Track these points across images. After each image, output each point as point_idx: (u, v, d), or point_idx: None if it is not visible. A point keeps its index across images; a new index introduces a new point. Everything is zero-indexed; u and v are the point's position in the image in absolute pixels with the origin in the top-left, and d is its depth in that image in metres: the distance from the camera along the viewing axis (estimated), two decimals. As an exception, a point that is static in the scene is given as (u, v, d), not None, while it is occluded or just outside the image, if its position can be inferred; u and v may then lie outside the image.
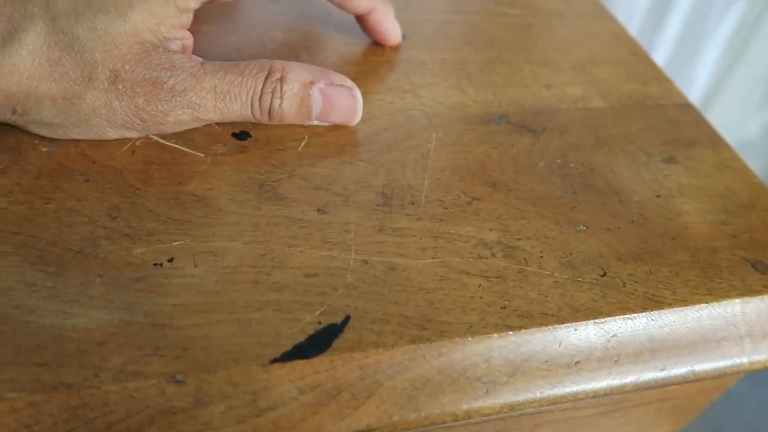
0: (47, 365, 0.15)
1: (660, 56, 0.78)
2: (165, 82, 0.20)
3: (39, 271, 0.17)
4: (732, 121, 1.06)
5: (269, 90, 0.22)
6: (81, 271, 0.17)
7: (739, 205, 0.24)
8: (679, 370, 0.20)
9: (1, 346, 0.15)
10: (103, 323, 0.16)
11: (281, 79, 0.22)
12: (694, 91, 0.87)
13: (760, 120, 1.09)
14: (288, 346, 0.17)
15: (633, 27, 0.73)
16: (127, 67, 0.19)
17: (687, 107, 0.28)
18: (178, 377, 0.15)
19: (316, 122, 0.23)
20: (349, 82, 0.23)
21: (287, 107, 0.22)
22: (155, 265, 0.18)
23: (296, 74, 0.22)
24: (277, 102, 0.22)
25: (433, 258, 0.20)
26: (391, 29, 0.27)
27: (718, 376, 0.20)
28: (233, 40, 0.27)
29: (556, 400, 0.18)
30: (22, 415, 0.15)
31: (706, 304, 0.20)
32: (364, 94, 0.25)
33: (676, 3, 0.70)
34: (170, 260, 0.18)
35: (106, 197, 0.19)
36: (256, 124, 0.23)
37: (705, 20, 0.73)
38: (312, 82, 0.22)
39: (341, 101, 0.23)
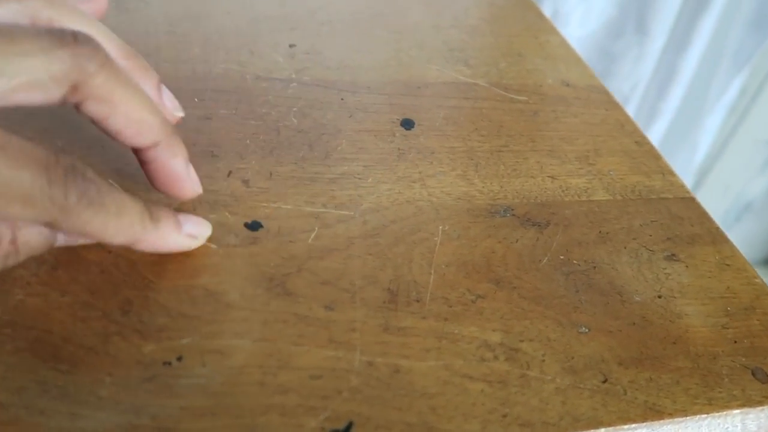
0: (54, 472, 0.16)
1: (664, 120, 0.79)
2: None
3: (51, 369, 0.18)
4: (736, 182, 1.07)
5: None
6: (92, 370, 0.18)
7: (740, 307, 0.24)
8: (679, 482, 0.20)
9: (11, 450, 0.16)
10: (111, 427, 0.17)
11: None
12: (697, 154, 0.88)
13: (764, 181, 1.10)
14: (291, 454, 0.17)
15: (638, 92, 0.75)
16: None
17: (690, 201, 0.29)
18: (182, 488, 0.16)
19: None
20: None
21: None
22: (164, 363, 0.18)
23: None
24: None
25: (436, 360, 0.20)
26: (180, 173, 0.21)
27: (719, 488, 0.20)
28: (249, 126, 0.28)
29: None
30: None
31: (706, 415, 0.20)
32: (374, 183, 0.26)
33: (679, 70, 0.71)
34: (179, 359, 0.18)
35: (119, 290, 0.20)
36: (269, 214, 0.24)
37: (708, 86, 0.75)
38: None
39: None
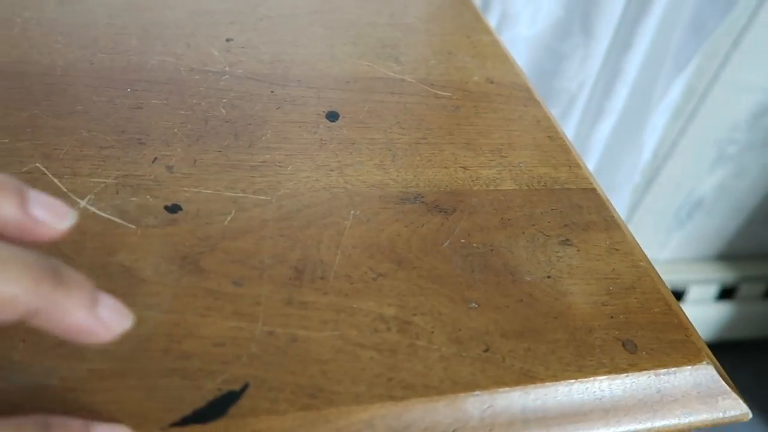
0: (-36, 425, 0.17)
1: (611, 118, 0.82)
2: None
3: (-33, 336, 0.19)
4: (687, 180, 1.12)
5: None
6: (7, 337, 0.19)
7: (622, 287, 0.26)
8: (548, 439, 0.22)
9: (-76, 406, 0.17)
10: (21, 387, 0.18)
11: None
12: (645, 151, 0.92)
13: (713, 180, 1.14)
14: (188, 411, 0.19)
15: (585, 91, 0.77)
16: None
17: (591, 191, 0.31)
18: (83, 439, 0.17)
19: None
20: None
21: None
22: (76, 332, 0.20)
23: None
24: None
25: (333, 331, 0.22)
26: (82, 326, 0.16)
27: (586, 445, 0.23)
28: (179, 115, 0.29)
29: (433, 466, 0.21)
30: (-65, 471, 0.16)
31: (575, 380, 0.22)
32: (294, 171, 0.28)
33: (624, 70, 0.74)
34: (90, 328, 0.20)
35: (39, 266, 0.21)
36: (189, 198, 0.25)
37: (652, 86, 0.78)
38: None
39: None
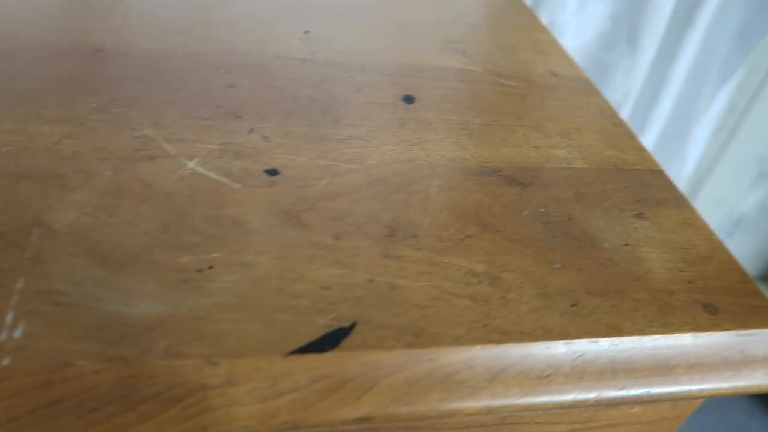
0: (109, 342, 0.19)
1: (656, 128, 0.83)
2: None
3: (103, 270, 0.21)
4: (727, 197, 1.11)
5: None
6: (138, 272, 0.21)
7: (697, 257, 0.27)
8: (636, 390, 0.23)
9: (73, 325, 0.19)
10: (155, 313, 0.20)
11: None
12: (688, 163, 0.92)
13: (755, 197, 1.13)
14: (304, 342, 0.20)
15: (630, 101, 0.78)
16: None
17: (659, 173, 0.32)
18: (214, 359, 0.19)
19: None
20: None
21: None
22: (198, 270, 0.22)
23: None
24: None
25: (428, 281, 0.23)
26: None
27: (672, 399, 0.23)
28: (269, 94, 0.31)
29: (528, 408, 0.22)
30: (86, 380, 0.18)
31: (660, 335, 0.23)
32: (378, 145, 0.30)
33: (669, 81, 0.75)
34: (210, 268, 0.22)
35: (159, 215, 0.23)
36: (285, 164, 0.27)
37: (697, 98, 0.79)
38: None
39: None
